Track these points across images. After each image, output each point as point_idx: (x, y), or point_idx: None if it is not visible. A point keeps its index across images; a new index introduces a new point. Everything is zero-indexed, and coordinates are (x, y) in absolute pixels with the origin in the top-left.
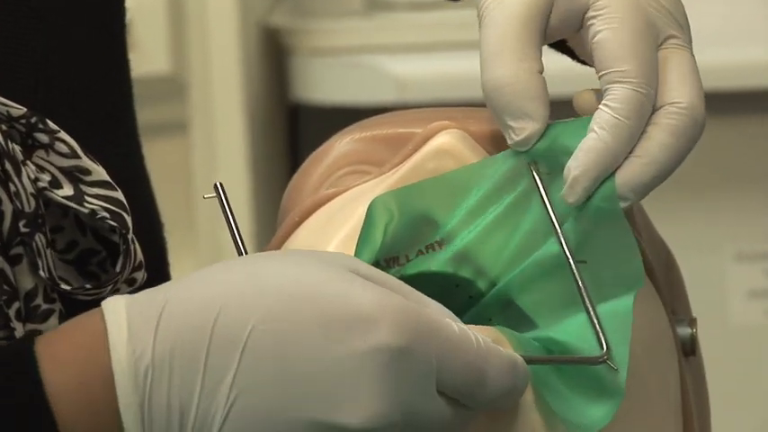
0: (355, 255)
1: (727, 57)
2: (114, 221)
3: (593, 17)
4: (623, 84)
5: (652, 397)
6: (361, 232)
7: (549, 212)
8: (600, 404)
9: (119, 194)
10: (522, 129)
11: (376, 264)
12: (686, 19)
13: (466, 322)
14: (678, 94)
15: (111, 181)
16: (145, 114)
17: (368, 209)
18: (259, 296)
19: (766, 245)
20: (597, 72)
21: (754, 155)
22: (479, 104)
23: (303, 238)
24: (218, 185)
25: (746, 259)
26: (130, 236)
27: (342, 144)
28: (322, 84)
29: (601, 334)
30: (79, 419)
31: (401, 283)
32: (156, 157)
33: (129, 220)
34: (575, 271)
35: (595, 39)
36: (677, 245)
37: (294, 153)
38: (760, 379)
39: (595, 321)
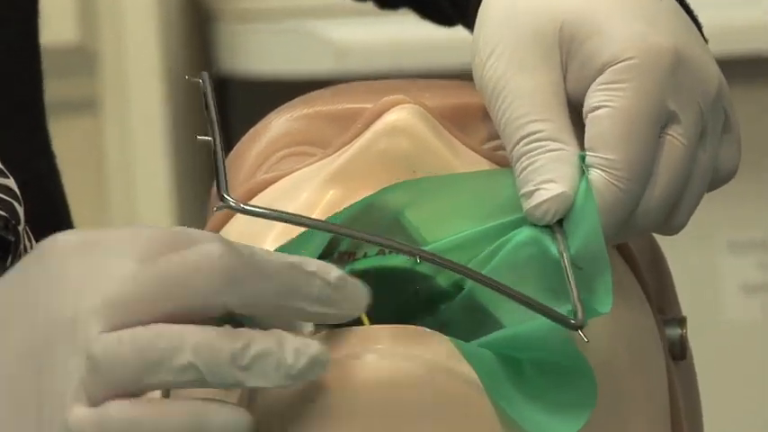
0: (307, 239)
1: (718, 21)
2: (2, 210)
3: (599, 89)
4: (604, 173)
5: (636, 404)
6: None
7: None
8: (566, 414)
9: (10, 182)
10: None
11: (329, 255)
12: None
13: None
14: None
15: (2, 168)
16: (50, 90)
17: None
18: None
19: (760, 234)
20: (585, 146)
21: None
22: (431, 75)
23: (238, 229)
24: (206, 76)
25: (740, 251)
26: (21, 227)
27: (280, 122)
28: (251, 53)
29: (579, 305)
30: None
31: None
32: (64, 139)
33: (20, 210)
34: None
35: (592, 113)
36: (666, 237)
37: (224, 133)
38: (756, 378)
39: (574, 292)
